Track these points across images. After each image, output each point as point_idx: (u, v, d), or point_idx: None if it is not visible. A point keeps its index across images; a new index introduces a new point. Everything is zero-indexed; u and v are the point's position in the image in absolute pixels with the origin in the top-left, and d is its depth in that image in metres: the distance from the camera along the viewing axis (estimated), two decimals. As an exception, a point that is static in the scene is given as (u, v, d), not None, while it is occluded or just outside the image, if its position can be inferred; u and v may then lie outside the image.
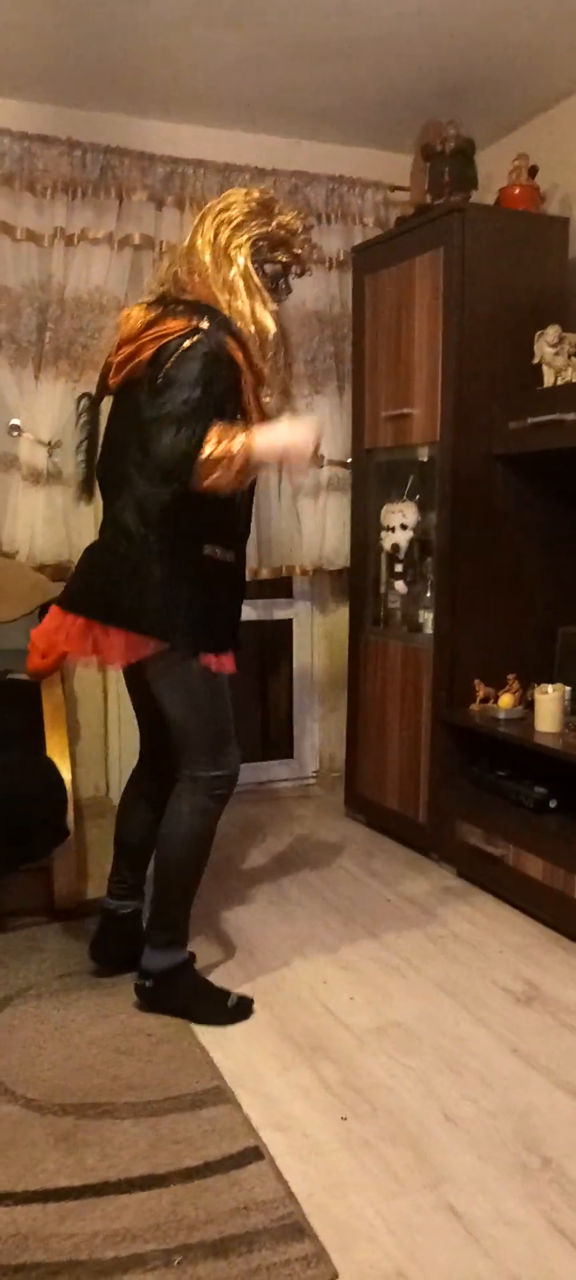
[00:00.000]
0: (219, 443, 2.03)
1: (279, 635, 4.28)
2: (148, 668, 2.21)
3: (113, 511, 2.23)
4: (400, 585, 3.53)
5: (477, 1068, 2.14)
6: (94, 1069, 2.10)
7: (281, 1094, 2.04)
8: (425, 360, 3.26)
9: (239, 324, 2.15)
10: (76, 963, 2.57)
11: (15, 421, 3.56)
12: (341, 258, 3.90)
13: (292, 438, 2.15)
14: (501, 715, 3.09)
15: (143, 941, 2.36)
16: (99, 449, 2.36)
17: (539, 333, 3.11)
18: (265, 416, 2.24)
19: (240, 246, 2.18)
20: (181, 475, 2.05)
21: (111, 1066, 2.11)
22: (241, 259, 2.18)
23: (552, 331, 3.06)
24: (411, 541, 3.45)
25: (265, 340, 2.19)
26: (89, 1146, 1.84)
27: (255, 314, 2.17)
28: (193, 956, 2.45)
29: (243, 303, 2.16)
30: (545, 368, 3.10)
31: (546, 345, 3.08)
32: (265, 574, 3.96)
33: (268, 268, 2.23)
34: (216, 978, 2.47)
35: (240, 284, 2.17)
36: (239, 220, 2.19)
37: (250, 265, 2.19)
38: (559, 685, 2.99)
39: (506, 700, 3.11)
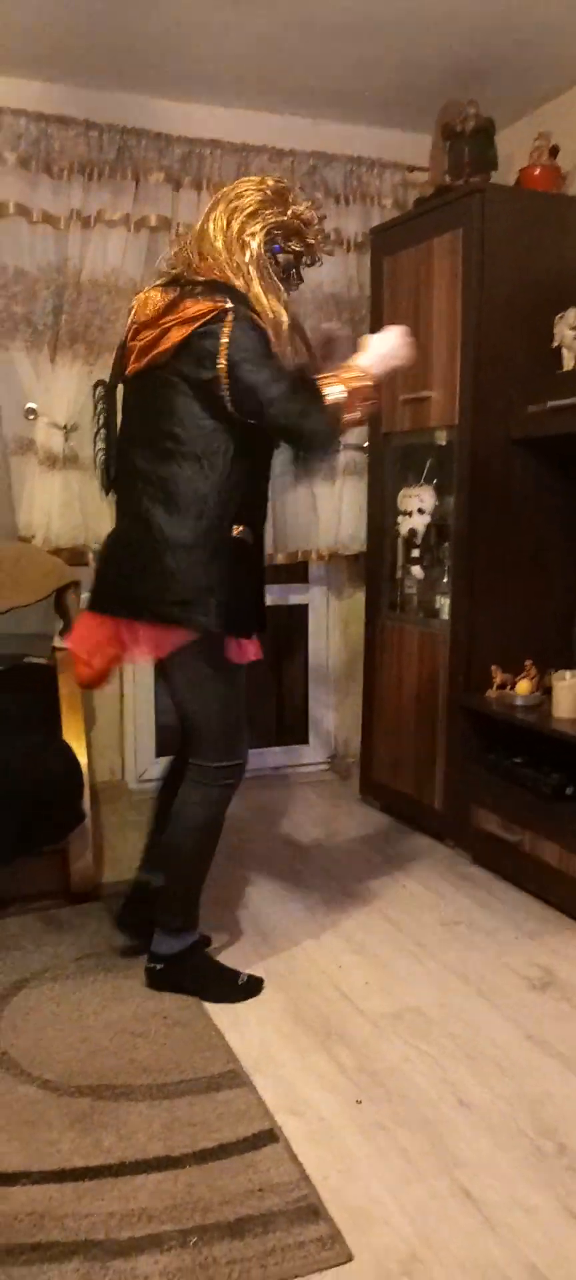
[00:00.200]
0: (338, 380, 2.05)
1: (294, 620, 4.27)
2: (171, 659, 2.21)
3: (134, 500, 2.19)
4: (417, 570, 3.51)
5: (493, 1053, 2.13)
6: (110, 1051, 2.11)
7: (296, 1077, 2.04)
8: (443, 343, 3.23)
9: (257, 308, 2.14)
10: (92, 945, 2.58)
11: (31, 405, 3.56)
12: (359, 239, 3.87)
13: (389, 342, 2.19)
14: (518, 701, 3.07)
15: (144, 912, 2.41)
16: (108, 433, 2.33)
17: (559, 315, 3.07)
18: None
19: (254, 234, 2.16)
20: (324, 436, 2.06)
21: (127, 1049, 2.12)
22: (255, 246, 2.15)
23: (573, 314, 3.03)
24: (428, 526, 3.42)
25: (279, 329, 2.17)
26: (105, 1128, 1.85)
27: (269, 303, 2.16)
28: (208, 940, 2.46)
29: (257, 289, 2.14)
30: (565, 351, 3.06)
31: (566, 328, 3.04)
32: (281, 559, 3.95)
33: (280, 257, 2.21)
34: (231, 961, 2.47)
35: (253, 271, 2.15)
36: (253, 208, 2.17)
37: (263, 253, 2.16)
38: (577, 671, 2.97)
39: (523, 686, 3.09)
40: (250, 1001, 2.33)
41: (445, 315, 3.22)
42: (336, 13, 3.04)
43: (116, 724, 3.94)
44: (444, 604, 3.40)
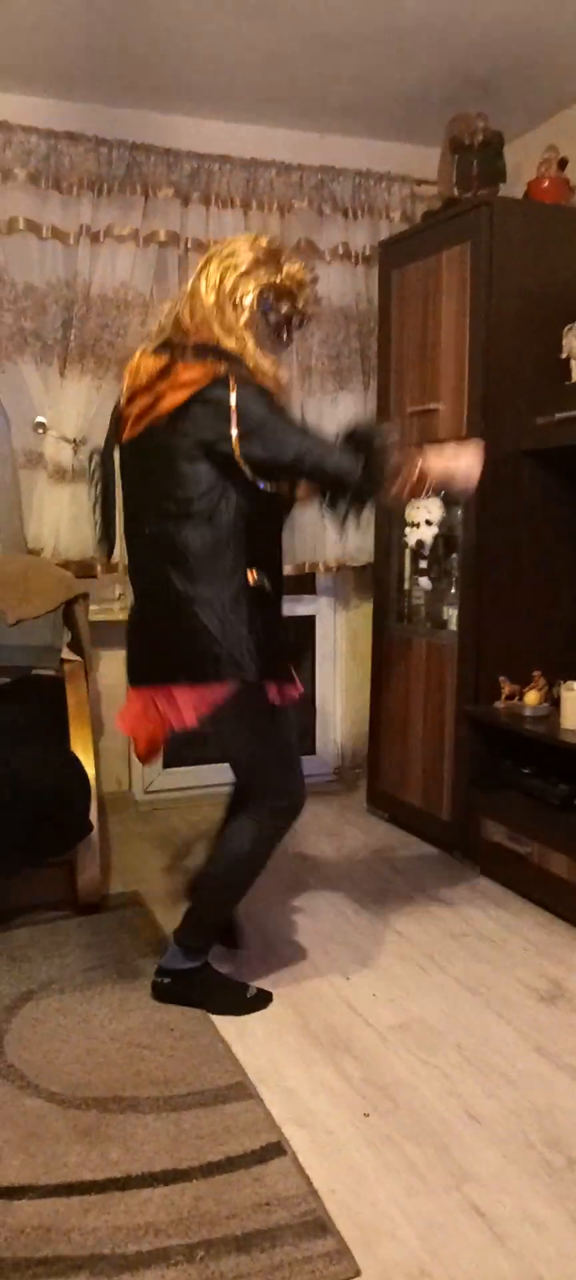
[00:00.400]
0: (400, 447, 2.07)
1: (302, 631, 4.27)
2: (212, 714, 2.17)
3: (149, 566, 2.19)
4: (424, 581, 3.51)
5: (501, 1066, 2.12)
6: (116, 1063, 2.11)
7: (304, 1090, 2.03)
8: (452, 355, 3.24)
9: (249, 364, 2.12)
10: (99, 957, 2.58)
11: (41, 419, 3.58)
12: (367, 252, 3.89)
13: (459, 460, 2.18)
14: (527, 712, 3.07)
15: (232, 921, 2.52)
16: (106, 500, 2.30)
17: (567, 327, 3.08)
18: None
19: (248, 293, 2.14)
20: (370, 482, 2.06)
21: (134, 1061, 2.12)
22: (248, 303, 2.14)
23: (581, 325, 3.03)
24: (436, 537, 3.42)
25: (279, 386, 2.17)
26: (111, 1140, 1.85)
27: (263, 362, 2.14)
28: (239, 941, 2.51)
29: (250, 349, 2.13)
30: (573, 362, 3.07)
31: (575, 339, 3.04)
32: (288, 570, 3.95)
33: (271, 317, 2.20)
34: (237, 973, 2.47)
35: (246, 331, 2.13)
36: (246, 267, 2.15)
37: (256, 313, 2.15)
38: (585, 683, 2.96)
39: (532, 697, 3.08)
40: (257, 1014, 2.33)
41: (453, 328, 3.22)
42: (344, 28, 3.06)
43: (123, 735, 3.93)
44: (451, 615, 3.40)
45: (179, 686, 2.13)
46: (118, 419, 2.22)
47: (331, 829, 3.66)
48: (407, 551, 3.57)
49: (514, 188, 3.54)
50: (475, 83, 3.40)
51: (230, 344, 2.11)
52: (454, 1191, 1.73)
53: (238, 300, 2.14)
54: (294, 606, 4.19)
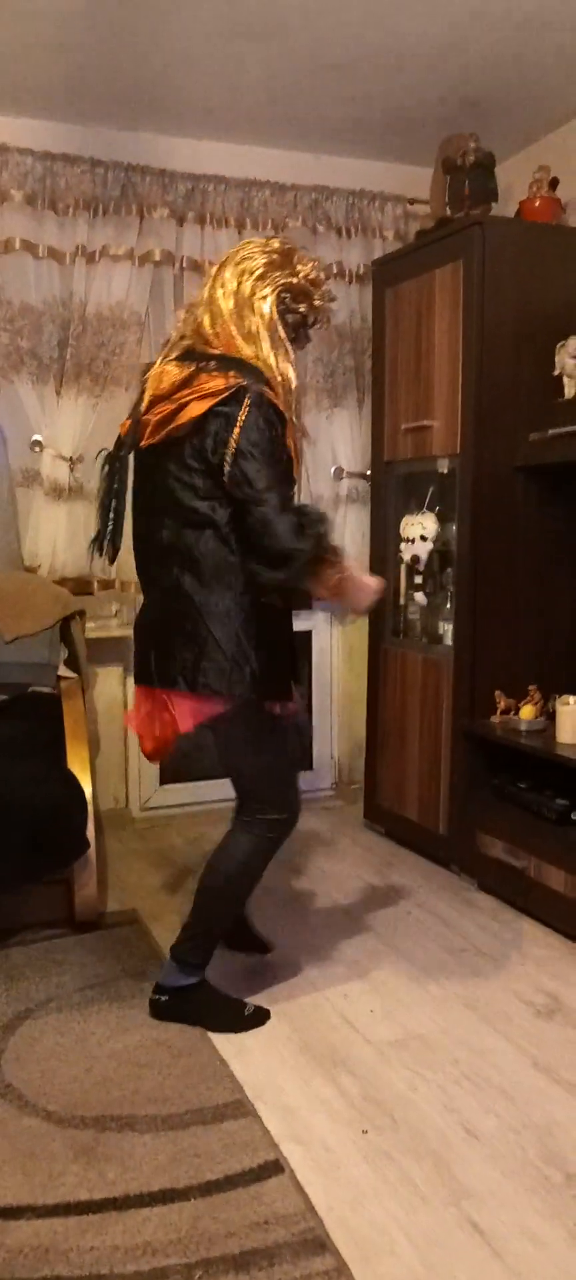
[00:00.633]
0: (336, 560, 2.09)
1: (298, 646, 4.27)
2: (213, 722, 2.20)
3: (164, 571, 2.19)
4: (420, 596, 3.52)
5: (499, 1081, 2.12)
6: (114, 1082, 2.10)
7: (301, 1107, 2.03)
8: (445, 372, 3.26)
9: (267, 374, 2.14)
10: (96, 975, 2.58)
11: (37, 437, 3.60)
12: (361, 271, 3.92)
13: (369, 581, 2.25)
14: (522, 726, 3.08)
15: (246, 928, 2.56)
16: (116, 507, 2.29)
17: (560, 344, 3.11)
18: (297, 460, 2.24)
19: (265, 297, 2.16)
20: (298, 567, 2.04)
21: (131, 1079, 2.11)
22: (266, 309, 2.16)
23: (573, 342, 3.06)
24: (431, 553, 3.44)
25: (288, 390, 2.19)
26: (109, 1160, 1.84)
27: (278, 364, 2.17)
28: (269, 946, 2.54)
29: (267, 353, 2.15)
30: (566, 379, 3.09)
31: (567, 357, 3.07)
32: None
33: (289, 318, 2.22)
34: (236, 989, 2.46)
35: (264, 333, 2.15)
36: (261, 270, 2.18)
37: (275, 315, 2.18)
38: (580, 697, 2.97)
39: (527, 711, 3.10)
40: (254, 1030, 2.32)
41: (446, 345, 3.25)
42: (338, 52, 3.10)
43: (120, 752, 3.95)
44: (447, 630, 3.41)
45: (180, 693, 2.14)
46: (136, 424, 2.22)
47: (329, 844, 3.67)
48: (403, 566, 3.59)
49: (505, 207, 3.57)
50: (467, 104, 3.44)
51: (250, 349, 2.14)
52: (452, 1208, 1.73)
53: (256, 304, 2.16)
54: (290, 622, 4.19)
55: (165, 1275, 1.56)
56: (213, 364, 2.10)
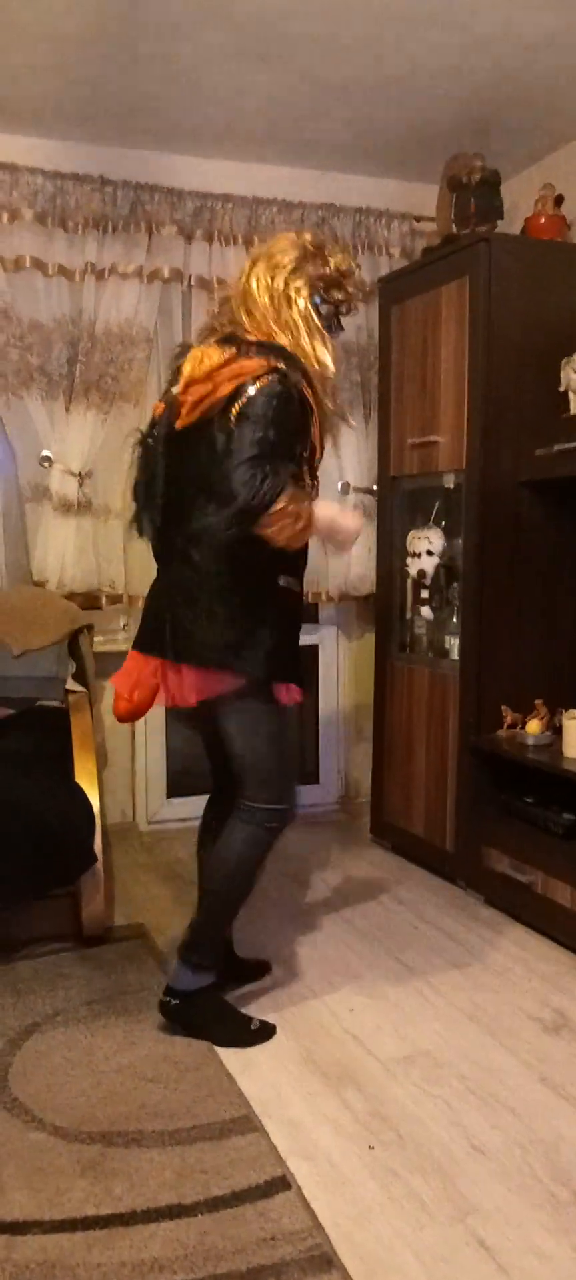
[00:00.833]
0: (291, 500, 2.08)
1: (304, 661, 4.28)
2: (218, 703, 2.23)
3: (180, 548, 2.23)
4: (426, 611, 3.53)
5: (505, 1097, 2.12)
6: (121, 1096, 2.11)
7: (308, 1122, 2.03)
8: (451, 388, 3.28)
9: (305, 362, 2.20)
10: (103, 989, 2.58)
11: (46, 453, 3.62)
12: (368, 288, 3.94)
13: (344, 522, 2.28)
14: (529, 741, 3.08)
15: (235, 960, 2.51)
16: (154, 484, 2.30)
17: (565, 360, 3.12)
18: (322, 452, 2.30)
19: (299, 289, 2.23)
20: (251, 516, 2.06)
21: (138, 1094, 2.12)
22: (302, 301, 2.23)
23: (579, 358, 3.07)
24: (437, 567, 3.45)
25: (327, 378, 2.24)
26: (116, 1175, 1.84)
27: (316, 353, 2.22)
28: (268, 967, 2.52)
29: (305, 342, 2.21)
30: (572, 395, 3.10)
31: (572, 372, 3.09)
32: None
33: (323, 308, 2.28)
34: (242, 1004, 2.47)
35: (301, 324, 2.22)
36: (295, 264, 2.24)
37: (310, 306, 2.24)
38: (587, 712, 2.98)
39: (534, 726, 3.10)
40: (261, 1045, 2.32)
41: (452, 361, 3.27)
42: (344, 73, 3.13)
43: (128, 766, 3.96)
44: (453, 644, 3.42)
45: (191, 667, 2.18)
46: (171, 404, 2.24)
47: (335, 858, 3.67)
48: (409, 581, 3.60)
49: (511, 224, 3.59)
50: (472, 123, 3.46)
51: (287, 338, 2.19)
52: (458, 1224, 1.73)
53: (292, 296, 2.22)
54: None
55: (172, 1291, 1.56)
56: (253, 349, 2.15)
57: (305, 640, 4.17)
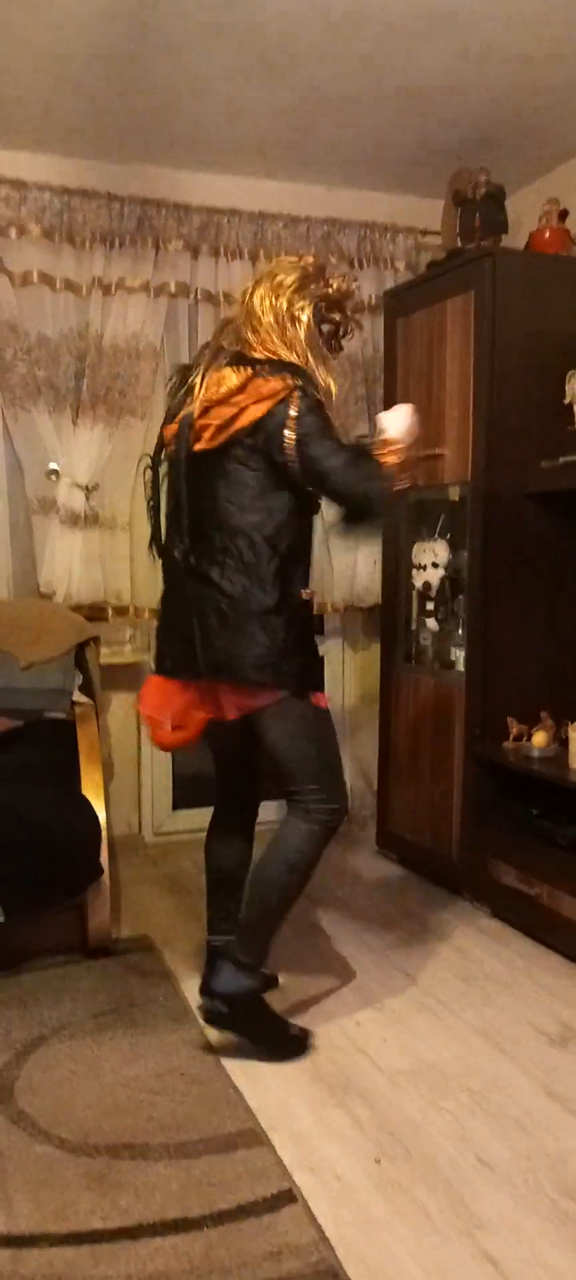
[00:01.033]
0: (388, 451, 2.19)
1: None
2: (258, 715, 2.27)
3: (211, 568, 2.24)
4: (432, 623, 3.54)
5: (512, 1110, 2.11)
6: (127, 1109, 2.11)
7: (314, 1135, 2.03)
8: (456, 401, 3.29)
9: (314, 380, 2.24)
10: (110, 1002, 2.58)
11: (53, 465, 3.65)
12: (373, 302, 3.96)
13: (406, 417, 2.30)
14: (535, 753, 3.08)
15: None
16: (180, 508, 2.30)
17: (570, 372, 3.13)
18: None
19: (303, 309, 2.27)
20: (381, 499, 2.21)
21: (145, 1107, 2.12)
22: (305, 320, 2.26)
23: (583, 371, 3.08)
24: (442, 579, 3.46)
25: (329, 398, 2.29)
26: (122, 1188, 1.84)
27: (320, 373, 2.27)
28: (275, 980, 2.48)
29: (310, 362, 2.25)
30: (576, 407, 3.11)
31: (577, 385, 3.10)
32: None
33: (324, 328, 2.32)
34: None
35: (306, 345, 2.26)
36: (299, 284, 2.28)
37: (313, 326, 2.28)
38: (593, 724, 2.97)
39: (540, 738, 3.10)
40: (268, 1058, 2.32)
41: (458, 375, 3.28)
42: (348, 85, 3.15)
43: (134, 778, 3.97)
44: (459, 656, 3.42)
45: (228, 683, 2.22)
46: (187, 428, 2.25)
47: (341, 870, 3.66)
48: (414, 593, 3.60)
49: (516, 238, 3.61)
50: (476, 138, 3.49)
51: (292, 358, 2.24)
52: (466, 1238, 1.72)
53: (296, 314, 2.26)
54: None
55: (178, 1304, 1.56)
56: (267, 368, 2.19)
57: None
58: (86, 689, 3.46)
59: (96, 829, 2.73)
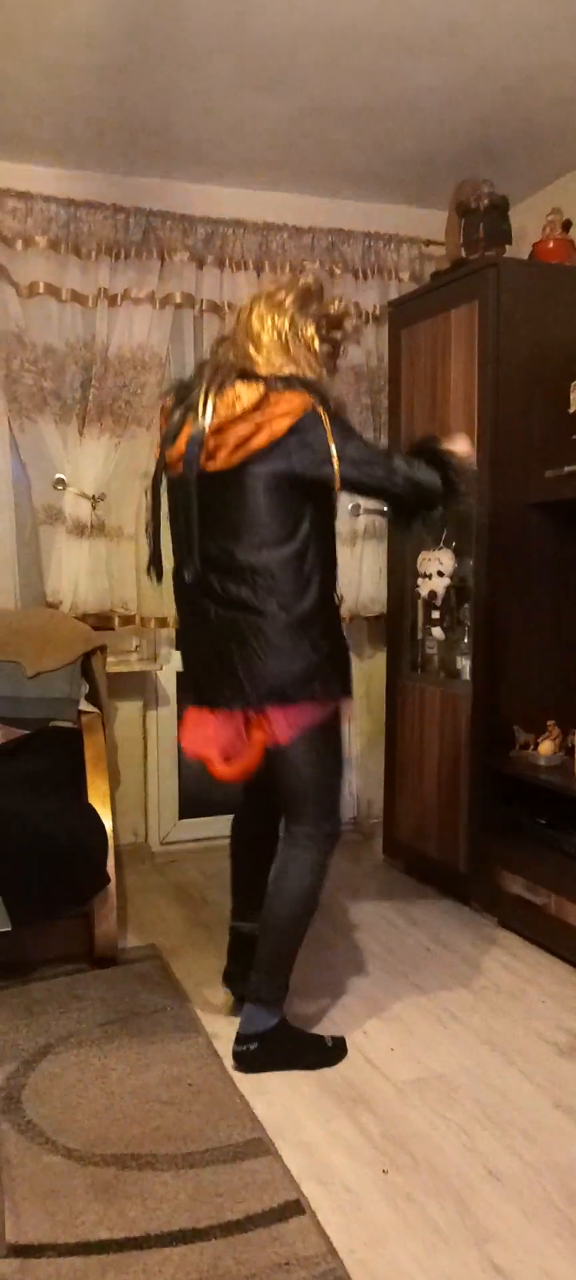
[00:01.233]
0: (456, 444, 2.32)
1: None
2: (306, 730, 2.25)
3: (240, 590, 2.20)
4: (437, 631, 3.54)
5: (520, 1121, 2.10)
6: (135, 1119, 2.11)
7: (322, 1146, 2.03)
8: (461, 411, 3.30)
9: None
10: (117, 1011, 2.58)
11: (60, 476, 3.66)
12: (377, 312, 3.97)
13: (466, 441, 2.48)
14: (541, 761, 3.07)
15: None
16: (190, 530, 2.24)
17: (574, 382, 3.13)
18: None
19: (307, 326, 2.27)
20: (456, 489, 2.29)
21: (152, 1117, 2.11)
22: (309, 338, 2.26)
23: (588, 380, 3.08)
24: (448, 588, 3.46)
25: (343, 407, 2.31)
26: (130, 1198, 1.84)
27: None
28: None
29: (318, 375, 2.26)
30: (581, 416, 3.12)
31: (582, 394, 3.10)
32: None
33: (324, 347, 2.32)
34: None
35: (313, 363, 2.25)
36: (300, 304, 2.27)
37: (316, 344, 2.27)
38: (599, 732, 2.97)
39: (546, 746, 3.09)
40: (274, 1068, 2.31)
41: (462, 384, 3.29)
42: (352, 96, 3.17)
43: (140, 787, 3.97)
44: (465, 664, 3.42)
45: (277, 706, 2.20)
46: (198, 446, 2.20)
47: (347, 880, 3.66)
48: (420, 602, 3.61)
49: (519, 249, 3.62)
50: (481, 148, 3.50)
51: (300, 373, 2.22)
52: (474, 1250, 1.72)
53: (300, 333, 2.26)
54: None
55: (186, 1315, 1.56)
56: (280, 384, 2.17)
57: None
58: (93, 698, 3.47)
59: (103, 838, 2.73)
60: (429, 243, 3.99)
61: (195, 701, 2.32)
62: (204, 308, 3.81)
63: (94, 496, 3.66)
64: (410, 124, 3.35)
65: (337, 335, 2.35)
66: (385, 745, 3.81)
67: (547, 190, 3.80)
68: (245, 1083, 2.24)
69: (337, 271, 3.95)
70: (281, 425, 2.13)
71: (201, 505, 2.22)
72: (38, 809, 2.72)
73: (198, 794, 4.00)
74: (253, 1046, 2.30)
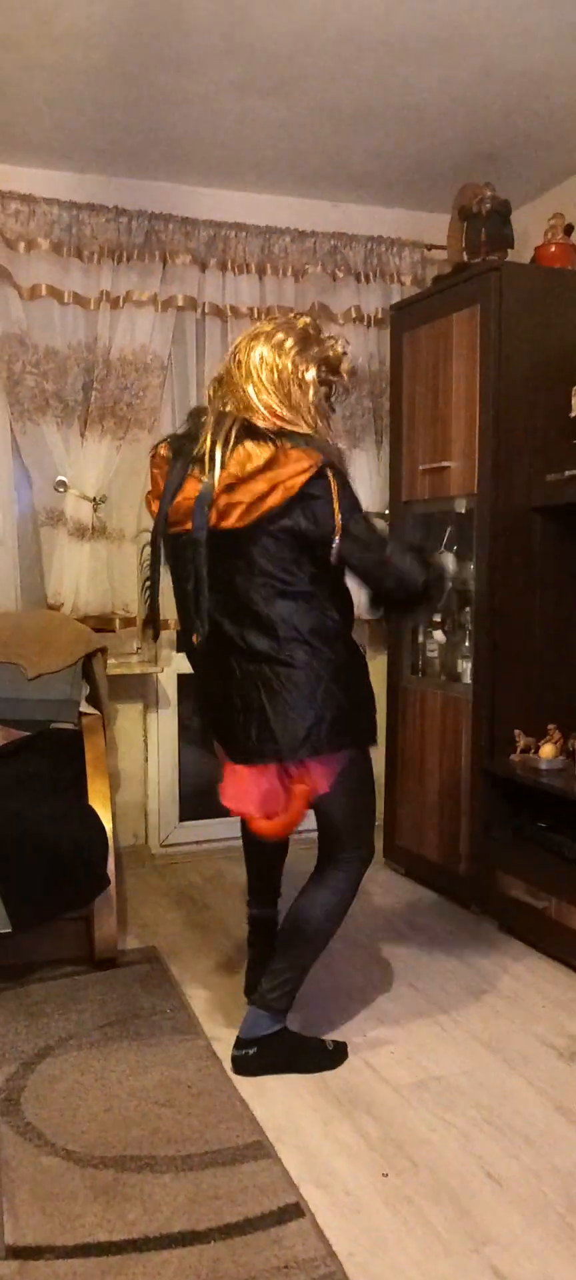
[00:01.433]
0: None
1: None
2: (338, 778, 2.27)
3: (259, 645, 2.16)
4: (438, 635, 3.54)
5: (520, 1125, 2.10)
6: (134, 1121, 2.10)
7: (322, 1149, 2.02)
8: (462, 414, 3.30)
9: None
10: (116, 1013, 2.58)
11: (62, 478, 3.66)
12: (379, 316, 3.98)
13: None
14: (542, 765, 3.07)
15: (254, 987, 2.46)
16: (199, 588, 2.20)
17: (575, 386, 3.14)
18: None
19: (309, 370, 2.23)
20: (437, 587, 2.32)
21: (152, 1119, 2.11)
22: (310, 382, 2.23)
23: (590, 384, 3.09)
24: (449, 591, 3.46)
25: (343, 462, 2.30)
26: (129, 1200, 1.84)
27: (328, 435, 2.27)
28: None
29: (320, 426, 2.23)
30: (582, 420, 3.12)
31: (583, 398, 3.10)
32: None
33: (323, 389, 2.29)
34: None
35: (313, 409, 2.22)
36: (301, 346, 2.23)
37: (318, 387, 2.24)
38: (600, 736, 2.97)
39: (547, 750, 3.09)
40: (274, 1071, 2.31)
41: (464, 388, 3.29)
42: (355, 104, 3.18)
43: (141, 789, 3.97)
44: (466, 668, 3.42)
45: (313, 759, 2.18)
46: (208, 503, 2.14)
47: (347, 883, 3.65)
48: (421, 605, 3.60)
49: (521, 253, 3.62)
50: (482, 153, 3.51)
51: (301, 425, 2.18)
52: (474, 1254, 1.71)
53: (301, 378, 2.21)
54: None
55: (185, 1318, 1.56)
56: (288, 443, 2.13)
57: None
58: (94, 700, 3.47)
59: (103, 840, 2.73)
60: (431, 247, 4.00)
61: (228, 757, 2.27)
62: (206, 311, 3.82)
63: (95, 499, 3.66)
64: (412, 128, 3.36)
65: (334, 378, 2.32)
66: (386, 748, 3.80)
67: (549, 194, 3.81)
68: (245, 1085, 2.24)
69: (340, 275, 3.95)
70: (294, 484, 2.10)
71: (211, 563, 2.18)
72: (38, 811, 2.72)
73: (198, 797, 4.00)
74: (252, 1051, 2.30)
